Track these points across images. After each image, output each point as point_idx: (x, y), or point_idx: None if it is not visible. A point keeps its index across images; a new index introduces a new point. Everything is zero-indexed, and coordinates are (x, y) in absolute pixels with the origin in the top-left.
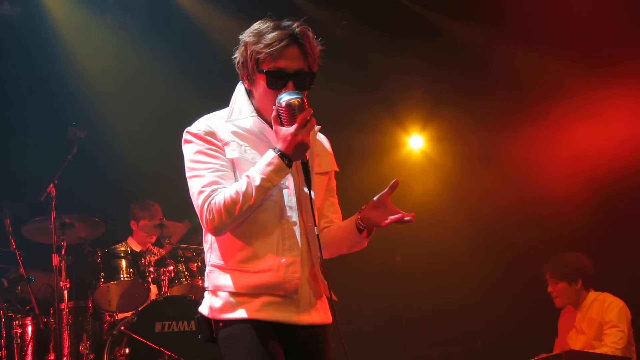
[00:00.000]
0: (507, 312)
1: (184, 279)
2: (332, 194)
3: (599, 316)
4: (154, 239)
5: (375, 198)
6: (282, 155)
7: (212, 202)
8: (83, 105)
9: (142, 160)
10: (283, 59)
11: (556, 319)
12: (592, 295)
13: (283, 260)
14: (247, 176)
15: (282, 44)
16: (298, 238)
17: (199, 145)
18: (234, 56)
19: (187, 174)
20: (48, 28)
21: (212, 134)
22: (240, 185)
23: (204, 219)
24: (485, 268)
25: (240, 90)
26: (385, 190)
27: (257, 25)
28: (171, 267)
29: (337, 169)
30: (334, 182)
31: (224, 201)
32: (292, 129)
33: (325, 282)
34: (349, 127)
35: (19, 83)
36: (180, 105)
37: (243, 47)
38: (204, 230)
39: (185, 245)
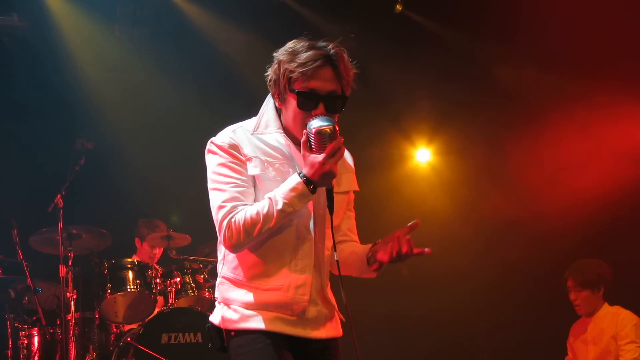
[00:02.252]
0: (514, 325)
1: (190, 291)
2: (349, 207)
3: (611, 329)
4: (157, 258)
5: (391, 234)
6: (308, 181)
7: (232, 220)
8: (91, 117)
9: (150, 171)
10: (316, 79)
11: (563, 330)
12: (606, 307)
13: (293, 280)
14: (270, 198)
15: (316, 64)
16: (311, 260)
17: (222, 157)
18: (267, 73)
19: (209, 186)
20: (56, 39)
21: (236, 147)
22: (262, 207)
23: (222, 235)
24: (492, 280)
25: (269, 103)
26: (403, 228)
27: (292, 44)
28: (178, 279)
29: (358, 189)
30: (352, 197)
31: (244, 220)
32: (320, 157)
33: (334, 304)
34: (355, 141)
35: (27, 94)
36: (188, 117)
37: (276, 65)
38: (220, 240)
39: (191, 257)
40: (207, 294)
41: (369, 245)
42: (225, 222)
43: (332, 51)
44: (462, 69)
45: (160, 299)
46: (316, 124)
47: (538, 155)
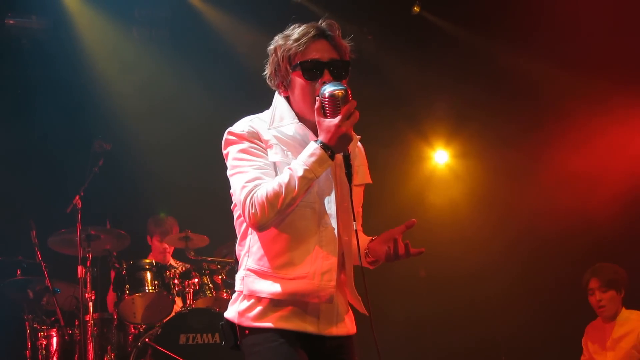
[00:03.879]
0: (533, 325)
1: (208, 292)
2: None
3: (633, 338)
4: (169, 254)
5: (388, 232)
6: (325, 146)
7: (255, 195)
8: (109, 118)
9: (168, 172)
10: (314, 50)
11: (582, 333)
12: (626, 312)
13: (319, 267)
14: (290, 168)
15: (310, 35)
16: (335, 246)
17: (242, 144)
18: (265, 72)
19: (229, 172)
20: (74, 41)
21: (255, 134)
22: (283, 178)
23: (246, 213)
24: (510, 282)
25: (279, 98)
26: (399, 227)
27: (283, 32)
28: (196, 280)
29: (371, 182)
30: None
31: (267, 194)
32: (336, 120)
33: (354, 292)
34: (373, 142)
35: (46, 95)
36: (205, 117)
37: (273, 54)
38: (243, 233)
39: (210, 258)
40: (225, 294)
41: (369, 239)
42: (248, 199)
43: (323, 24)
44: (480, 70)
45: (178, 299)
46: (328, 88)
47: (557, 157)
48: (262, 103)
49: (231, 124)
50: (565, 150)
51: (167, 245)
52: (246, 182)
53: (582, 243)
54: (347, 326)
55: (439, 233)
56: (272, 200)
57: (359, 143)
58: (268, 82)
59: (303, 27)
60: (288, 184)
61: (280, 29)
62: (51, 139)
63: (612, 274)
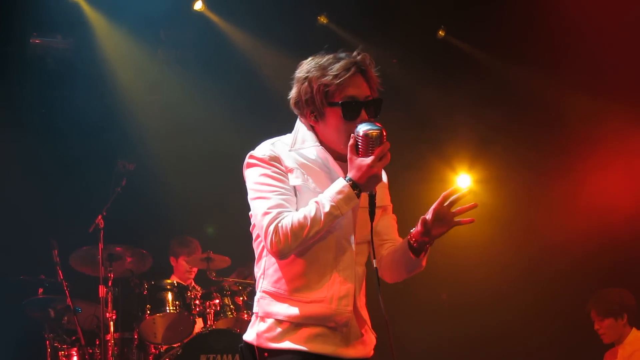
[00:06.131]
0: (553, 351)
1: (229, 313)
2: (389, 214)
3: (638, 353)
4: (193, 274)
5: (427, 216)
6: (354, 185)
7: (279, 224)
8: (133, 138)
9: (190, 193)
10: (352, 87)
11: (600, 357)
12: (635, 332)
13: (336, 292)
14: (317, 202)
15: (350, 72)
16: (353, 271)
17: (264, 168)
18: (290, 95)
19: (251, 196)
20: (99, 61)
21: (277, 159)
22: (309, 211)
23: (268, 241)
24: (531, 307)
25: (300, 124)
26: (435, 205)
27: (316, 60)
28: (217, 301)
29: (391, 205)
30: (389, 208)
31: (292, 224)
32: (368, 160)
33: (368, 321)
34: (395, 165)
35: (70, 115)
36: (228, 140)
37: (306, 84)
38: (259, 254)
39: (231, 279)
40: (246, 316)
41: (406, 238)
42: (272, 227)
43: (359, 58)
44: (503, 95)
45: (199, 320)
46: (364, 127)
47: (578, 182)
48: (284, 125)
49: (253, 146)
50: (587, 175)
51: (193, 268)
52: (269, 209)
53: (600, 267)
54: (364, 349)
55: (461, 257)
56: (297, 231)
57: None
58: (293, 106)
59: (341, 62)
60: (314, 218)
61: (306, 50)
62: (75, 159)
63: (610, 302)
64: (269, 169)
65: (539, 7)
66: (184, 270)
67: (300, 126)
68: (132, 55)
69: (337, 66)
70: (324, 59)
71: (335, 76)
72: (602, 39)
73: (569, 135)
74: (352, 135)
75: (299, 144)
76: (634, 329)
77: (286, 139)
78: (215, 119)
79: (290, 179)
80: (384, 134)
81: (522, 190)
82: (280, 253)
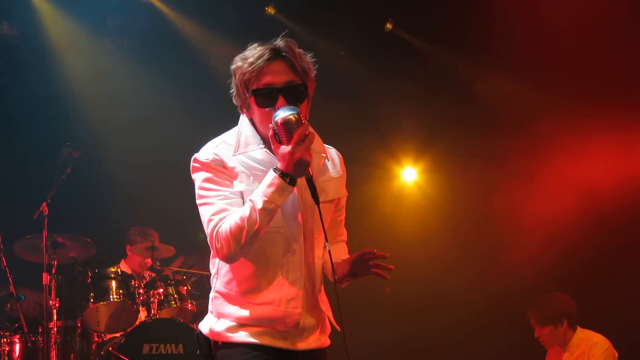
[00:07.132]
0: (499, 347)
1: (173, 302)
2: (339, 212)
3: (585, 357)
4: (148, 264)
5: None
6: (283, 174)
7: (220, 230)
8: (78, 126)
9: (136, 182)
10: (268, 74)
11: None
12: (579, 333)
13: (285, 294)
14: (250, 200)
15: (264, 58)
16: (302, 272)
17: (207, 173)
18: (231, 90)
19: (197, 201)
20: (46, 49)
21: (220, 162)
22: (244, 211)
23: (214, 248)
24: (479, 303)
25: (244, 120)
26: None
27: (244, 52)
28: (161, 290)
29: (346, 194)
30: (343, 202)
31: (230, 229)
32: (289, 147)
33: (329, 311)
34: (346, 159)
35: (16, 102)
36: (174, 127)
37: (233, 76)
38: (213, 254)
39: (175, 269)
40: (189, 305)
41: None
42: (214, 234)
43: (279, 44)
44: (449, 86)
45: (142, 309)
46: (280, 114)
47: (526, 172)
48: (235, 116)
49: (201, 135)
50: (535, 169)
51: (149, 260)
52: (212, 215)
53: (554, 262)
54: (320, 339)
55: (407, 252)
56: (236, 234)
57: (335, 154)
58: (233, 101)
59: (259, 48)
60: (249, 218)
61: (253, 41)
62: (20, 145)
63: (548, 308)
64: (212, 172)
65: None
66: (139, 262)
67: (242, 127)
68: (79, 44)
69: (253, 53)
70: (249, 49)
71: (251, 63)
72: (548, 28)
73: (517, 127)
74: (270, 125)
75: (242, 148)
76: (578, 329)
77: (230, 138)
78: (163, 109)
79: (234, 184)
80: (300, 117)
81: (470, 182)
82: (226, 258)
